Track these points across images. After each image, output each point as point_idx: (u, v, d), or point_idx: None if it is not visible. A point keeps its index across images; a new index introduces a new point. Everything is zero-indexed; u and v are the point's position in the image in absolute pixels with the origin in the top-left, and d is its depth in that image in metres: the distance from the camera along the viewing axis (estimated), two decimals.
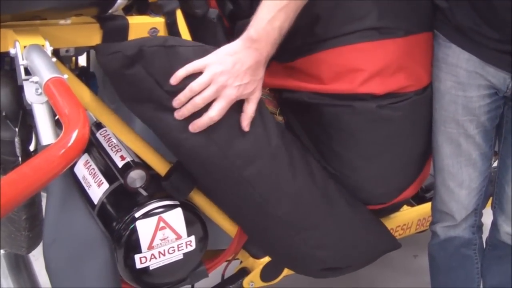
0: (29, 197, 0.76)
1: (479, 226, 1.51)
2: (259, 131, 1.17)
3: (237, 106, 1.11)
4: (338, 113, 1.27)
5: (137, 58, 1.06)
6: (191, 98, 1.07)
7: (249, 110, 1.14)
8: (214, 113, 1.08)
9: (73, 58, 1.29)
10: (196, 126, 1.09)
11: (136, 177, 1.23)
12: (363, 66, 1.23)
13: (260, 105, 1.17)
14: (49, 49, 0.97)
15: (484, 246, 1.54)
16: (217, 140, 1.12)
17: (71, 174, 1.06)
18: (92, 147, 1.38)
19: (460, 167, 1.37)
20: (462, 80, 1.28)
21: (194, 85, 1.07)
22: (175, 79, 1.07)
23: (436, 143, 1.39)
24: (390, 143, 1.32)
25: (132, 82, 1.08)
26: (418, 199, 1.85)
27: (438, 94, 1.34)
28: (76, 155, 0.79)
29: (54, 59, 0.95)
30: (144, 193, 1.25)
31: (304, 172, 1.27)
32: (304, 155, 1.31)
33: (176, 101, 1.08)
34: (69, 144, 0.78)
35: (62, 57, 1.17)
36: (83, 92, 1.12)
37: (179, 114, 1.08)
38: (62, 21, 1.07)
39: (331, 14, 1.21)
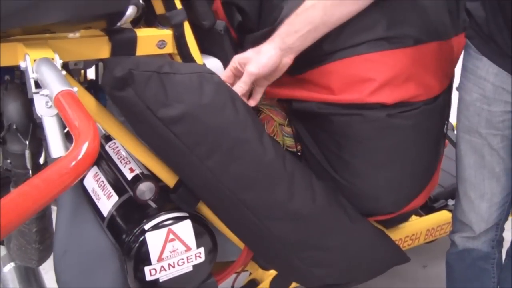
0: (40, 209, 0.76)
1: (499, 241, 1.49)
2: (256, 155, 1.18)
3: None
4: (347, 122, 1.27)
5: (128, 80, 1.06)
6: None
7: (262, 83, 1.25)
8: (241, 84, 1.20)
9: (82, 71, 1.30)
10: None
11: (145, 189, 1.23)
12: (372, 76, 1.22)
13: (259, 128, 1.20)
14: (58, 62, 0.98)
15: (504, 257, 1.52)
16: (210, 166, 1.13)
17: (81, 187, 1.06)
18: (102, 159, 1.38)
19: (482, 178, 1.36)
20: (488, 94, 1.27)
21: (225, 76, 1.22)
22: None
23: (459, 151, 1.38)
24: (400, 151, 1.32)
25: (123, 104, 1.09)
26: (426, 209, 1.84)
27: (463, 104, 1.33)
28: (87, 167, 0.79)
29: (63, 72, 0.96)
30: (153, 205, 1.25)
31: (304, 193, 1.27)
32: (305, 173, 1.31)
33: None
34: (80, 157, 0.78)
35: (71, 70, 1.18)
36: (91, 104, 1.12)
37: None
38: (71, 34, 1.08)
39: (339, 27, 1.22)
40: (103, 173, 1.37)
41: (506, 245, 1.52)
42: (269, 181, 1.21)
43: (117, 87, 1.05)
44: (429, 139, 1.37)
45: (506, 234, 1.50)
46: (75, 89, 0.91)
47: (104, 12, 1.00)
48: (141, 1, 1.12)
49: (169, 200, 1.25)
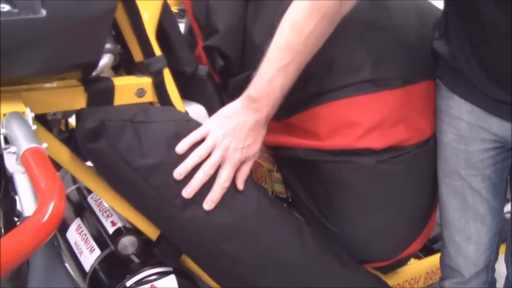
0: (6, 272, 0.71)
1: (492, 282, 1.42)
2: (240, 203, 1.12)
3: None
4: (336, 169, 1.22)
5: (100, 131, 1.01)
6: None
7: (245, 169, 1.12)
8: (224, 178, 1.07)
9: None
10: (211, 201, 1.07)
11: (127, 243, 1.18)
12: (359, 120, 1.18)
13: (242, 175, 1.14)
14: (30, 116, 0.94)
15: None
16: (189, 217, 1.07)
17: (54, 248, 1.01)
18: (85, 211, 1.34)
19: (467, 221, 1.31)
20: (464, 133, 1.22)
21: (201, 150, 1.06)
22: (181, 148, 1.06)
23: (441, 195, 1.33)
24: (393, 197, 1.27)
25: (97, 156, 1.04)
26: (426, 251, 1.77)
27: (441, 146, 1.29)
28: (52, 230, 0.74)
29: (34, 127, 0.91)
30: (136, 260, 1.20)
31: (292, 240, 1.21)
32: (293, 220, 1.25)
33: (181, 170, 1.05)
34: (44, 220, 0.73)
35: (49, 121, 1.14)
36: (67, 156, 1.08)
37: (188, 192, 1.05)
38: (47, 84, 1.05)
39: (325, 69, 1.18)
40: (86, 225, 1.32)
41: (500, 279, 1.45)
42: (253, 230, 1.15)
43: (89, 139, 1.01)
44: (424, 182, 1.32)
45: (501, 270, 1.43)
46: (44, 145, 0.87)
47: (76, 63, 0.96)
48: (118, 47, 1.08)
49: (153, 254, 1.19)
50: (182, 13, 2.76)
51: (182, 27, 1.48)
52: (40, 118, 1.11)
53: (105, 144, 1.02)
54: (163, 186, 1.06)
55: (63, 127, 1.28)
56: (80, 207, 1.36)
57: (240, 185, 1.12)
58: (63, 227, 1.37)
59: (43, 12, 0.87)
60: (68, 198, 1.44)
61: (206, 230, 1.10)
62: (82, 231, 1.31)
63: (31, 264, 1.01)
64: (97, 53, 0.97)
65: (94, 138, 1.01)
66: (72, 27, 0.90)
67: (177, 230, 1.11)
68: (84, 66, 0.99)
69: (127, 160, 1.03)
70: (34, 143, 0.85)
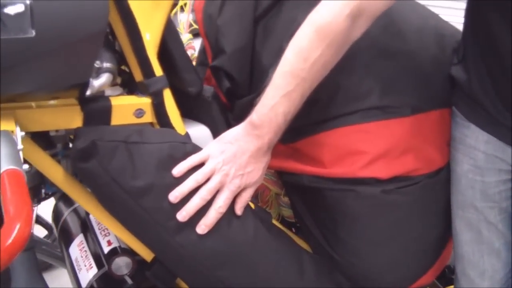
0: None
1: None
2: (235, 229, 1.09)
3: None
4: (340, 198, 1.17)
5: (91, 152, 0.99)
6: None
7: (246, 195, 1.09)
8: (221, 204, 1.04)
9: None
10: (205, 225, 1.04)
11: (121, 264, 1.17)
12: (365, 148, 1.13)
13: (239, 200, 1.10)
14: (19, 134, 0.93)
15: None
16: (182, 241, 1.04)
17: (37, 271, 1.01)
18: (88, 228, 1.33)
19: (481, 255, 1.24)
20: (480, 164, 1.16)
21: (199, 175, 1.03)
22: (178, 171, 1.04)
23: (454, 228, 1.27)
24: (400, 229, 1.21)
25: (88, 176, 1.02)
26: (444, 281, 1.69)
27: (455, 176, 1.22)
28: (14, 253, 0.73)
29: (20, 147, 0.90)
30: (129, 281, 1.18)
31: (290, 268, 1.17)
32: (292, 246, 1.21)
33: (177, 194, 1.02)
34: (7, 243, 0.72)
35: (52, 137, 1.14)
36: (59, 175, 1.07)
37: (183, 216, 1.03)
38: (42, 103, 1.04)
39: (330, 95, 1.14)
40: (87, 242, 1.31)
41: None
42: (248, 258, 1.11)
43: (80, 159, 1.00)
44: (435, 214, 1.26)
45: None
46: (26, 167, 0.86)
47: (64, 84, 0.95)
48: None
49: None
50: None
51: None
52: (42, 135, 1.11)
53: (96, 164, 1.00)
54: (154, 209, 1.03)
55: None
56: (85, 223, 1.36)
57: (239, 211, 1.09)
58: (68, 241, 1.37)
59: (32, 32, 0.86)
60: (76, 212, 1.44)
61: (199, 255, 1.07)
62: (83, 247, 1.30)
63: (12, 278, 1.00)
64: (86, 74, 0.96)
65: (85, 158, 1.00)
66: (61, 48, 0.89)
67: (169, 254, 1.09)
68: (73, 87, 0.98)
69: (118, 181, 1.01)
70: (13, 164, 0.84)
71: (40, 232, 2.13)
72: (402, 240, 1.23)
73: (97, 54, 0.97)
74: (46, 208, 1.62)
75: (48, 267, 2.18)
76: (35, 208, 2.00)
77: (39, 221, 2.17)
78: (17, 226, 0.73)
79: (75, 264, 1.29)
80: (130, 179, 1.02)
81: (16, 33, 0.86)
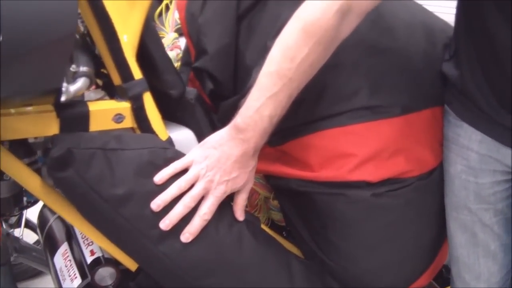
0: None
1: None
2: (221, 237, 1.04)
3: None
4: (330, 202, 1.13)
5: (67, 160, 0.95)
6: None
7: (240, 201, 1.07)
8: (206, 211, 1.00)
9: None
10: (190, 233, 1.00)
11: (105, 274, 1.13)
12: (354, 151, 1.09)
13: (225, 207, 1.07)
14: None
15: None
16: (165, 250, 1.00)
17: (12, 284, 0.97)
18: (72, 236, 1.29)
19: (476, 258, 1.20)
20: (473, 164, 1.12)
21: (182, 182, 0.99)
22: (160, 177, 1.00)
23: (449, 230, 1.23)
24: (393, 232, 1.17)
25: (65, 186, 0.98)
26: (442, 281, 1.65)
27: (448, 177, 1.18)
28: None
29: None
30: None
31: (278, 275, 1.13)
32: (282, 252, 1.17)
33: (159, 202, 0.98)
34: None
35: (32, 144, 1.10)
36: (36, 184, 1.04)
37: (166, 224, 0.98)
38: (15, 110, 1.00)
39: (315, 96, 1.10)
40: (72, 251, 1.27)
41: None
42: (234, 265, 1.07)
43: (56, 168, 0.96)
44: (428, 216, 1.22)
45: None
46: None
47: (36, 90, 0.91)
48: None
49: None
50: None
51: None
52: (21, 142, 1.07)
53: (73, 173, 0.96)
54: (136, 218, 0.99)
55: None
56: (69, 231, 1.32)
57: (240, 217, 1.07)
58: (53, 250, 1.33)
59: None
60: (62, 220, 1.40)
61: (183, 264, 1.03)
62: (68, 256, 1.26)
63: None
64: (58, 79, 0.92)
65: (61, 167, 0.96)
66: (29, 52, 0.85)
67: (153, 263, 1.05)
68: (47, 93, 0.94)
69: (97, 190, 0.97)
70: None
71: (30, 237, 2.09)
72: (395, 244, 1.19)
73: (67, 58, 0.92)
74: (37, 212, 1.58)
75: (38, 274, 2.15)
76: (24, 212, 1.98)
77: (29, 225, 2.13)
78: None
79: (59, 274, 1.25)
80: (109, 187, 0.98)
81: None
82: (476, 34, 1.04)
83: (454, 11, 1.11)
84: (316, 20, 0.97)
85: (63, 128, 1.03)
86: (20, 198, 1.22)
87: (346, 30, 1.01)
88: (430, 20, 1.27)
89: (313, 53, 0.98)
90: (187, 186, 1.00)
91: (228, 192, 1.03)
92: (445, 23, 1.28)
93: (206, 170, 1.01)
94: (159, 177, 1.00)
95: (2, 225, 1.61)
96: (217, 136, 1.04)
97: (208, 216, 1.01)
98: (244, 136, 1.01)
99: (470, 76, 1.07)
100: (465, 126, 1.12)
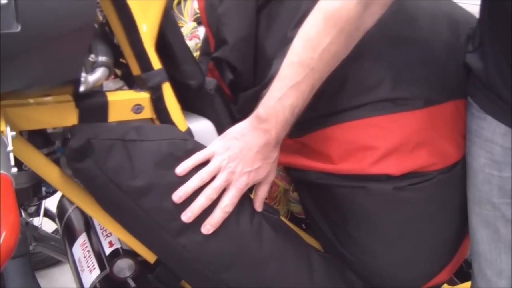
0: None
1: None
2: (242, 229, 1.03)
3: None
4: (350, 195, 1.12)
5: (86, 151, 0.94)
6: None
7: (261, 192, 1.06)
8: (227, 203, 0.99)
9: None
10: (211, 225, 0.99)
11: (123, 266, 1.13)
12: (375, 144, 1.07)
13: (246, 199, 1.06)
14: (9, 135, 0.88)
15: None
16: (185, 243, 0.99)
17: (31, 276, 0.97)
18: (91, 226, 1.29)
19: (498, 253, 1.17)
20: (497, 158, 1.09)
21: (203, 173, 0.98)
22: (182, 169, 0.99)
23: (470, 225, 1.20)
24: (413, 226, 1.15)
25: (84, 177, 0.98)
26: (462, 276, 1.64)
27: (471, 171, 1.16)
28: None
29: (10, 148, 0.86)
30: (132, 284, 1.14)
31: (299, 270, 1.11)
32: (301, 246, 1.16)
33: (181, 194, 0.97)
34: None
35: (50, 134, 1.10)
36: (55, 175, 1.03)
37: (188, 216, 0.98)
38: (35, 100, 1.00)
39: (337, 87, 1.08)
40: (90, 242, 1.27)
41: None
42: (254, 258, 1.06)
43: (75, 159, 0.95)
44: (450, 209, 1.19)
45: None
46: (14, 170, 0.82)
47: (54, 80, 0.90)
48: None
49: None
50: None
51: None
52: (39, 133, 1.07)
53: (92, 164, 0.95)
54: (155, 210, 0.99)
55: None
56: (88, 222, 1.32)
57: (259, 208, 1.06)
58: (72, 240, 1.33)
59: (18, 27, 0.81)
60: (80, 209, 1.40)
61: (203, 257, 1.02)
62: (86, 247, 1.27)
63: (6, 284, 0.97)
64: (77, 69, 0.91)
65: (80, 157, 0.95)
66: (49, 43, 0.84)
67: (172, 256, 1.04)
68: (67, 83, 0.93)
69: (116, 182, 0.96)
70: (1, 168, 0.80)
71: (48, 226, 2.09)
72: (416, 238, 1.17)
73: (86, 48, 0.92)
74: (56, 201, 1.59)
75: (56, 263, 2.16)
76: (43, 202, 1.99)
77: (48, 214, 2.14)
78: (2, 235, 0.70)
79: (78, 264, 1.26)
80: (128, 178, 0.97)
81: (1, 28, 0.81)
82: (501, 26, 1.02)
83: (479, 2, 1.08)
84: (337, 10, 0.96)
85: (82, 118, 1.02)
86: (39, 188, 1.22)
87: (369, 20, 0.99)
88: (454, 11, 1.24)
89: (335, 43, 0.97)
90: (209, 178, 0.99)
91: (250, 184, 1.02)
92: (470, 15, 1.25)
93: (228, 161, 0.99)
94: (181, 168, 0.99)
95: (21, 214, 1.62)
96: (238, 127, 1.03)
97: (229, 208, 1.00)
98: (266, 126, 1.00)
99: (495, 68, 1.05)
100: (489, 119, 1.09)
